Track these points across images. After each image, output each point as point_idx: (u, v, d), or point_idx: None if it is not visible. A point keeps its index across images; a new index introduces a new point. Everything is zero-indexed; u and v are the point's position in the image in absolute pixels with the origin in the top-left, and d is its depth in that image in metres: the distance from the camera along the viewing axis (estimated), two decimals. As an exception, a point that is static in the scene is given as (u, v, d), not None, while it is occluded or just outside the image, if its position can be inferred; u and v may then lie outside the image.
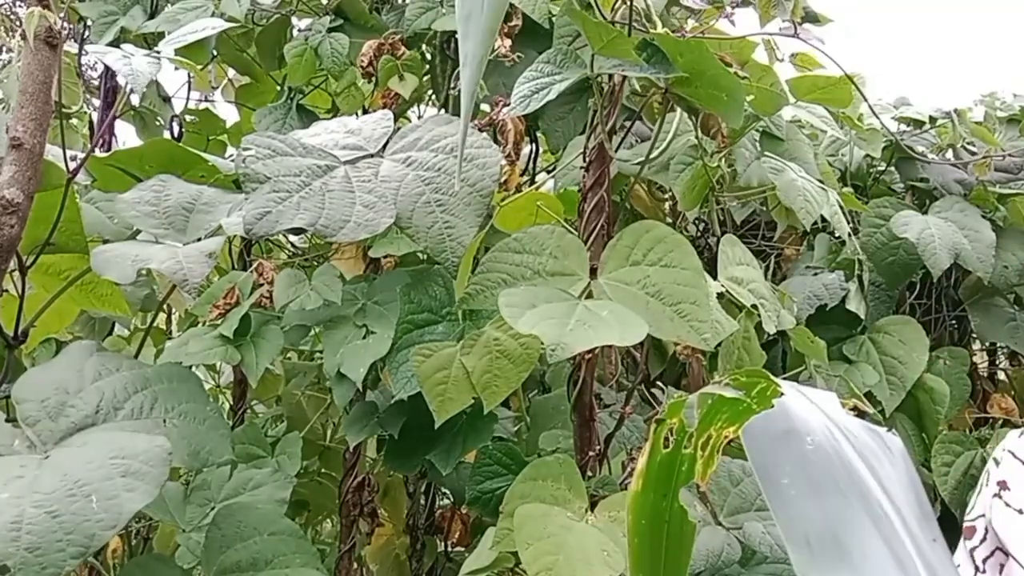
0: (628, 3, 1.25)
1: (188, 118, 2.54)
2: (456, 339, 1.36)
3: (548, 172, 1.96)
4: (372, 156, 1.04)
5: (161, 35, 1.93)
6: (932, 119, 2.27)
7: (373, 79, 1.85)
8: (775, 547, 1.11)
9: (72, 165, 1.05)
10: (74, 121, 2.60)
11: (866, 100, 1.97)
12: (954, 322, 2.37)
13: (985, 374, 2.52)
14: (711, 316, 1.07)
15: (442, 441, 1.55)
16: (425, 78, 2.01)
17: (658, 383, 1.82)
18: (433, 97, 2.07)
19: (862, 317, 2.06)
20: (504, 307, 0.99)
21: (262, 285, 1.62)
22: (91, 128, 2.64)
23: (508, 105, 1.25)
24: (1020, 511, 1.24)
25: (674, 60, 1.18)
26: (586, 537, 1.09)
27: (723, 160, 1.62)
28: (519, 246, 1.12)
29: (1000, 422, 2.24)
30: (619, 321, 0.99)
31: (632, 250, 1.11)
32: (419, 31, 1.89)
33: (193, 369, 1.41)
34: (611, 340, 0.97)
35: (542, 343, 1.01)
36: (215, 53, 2.24)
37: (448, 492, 1.86)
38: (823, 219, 1.69)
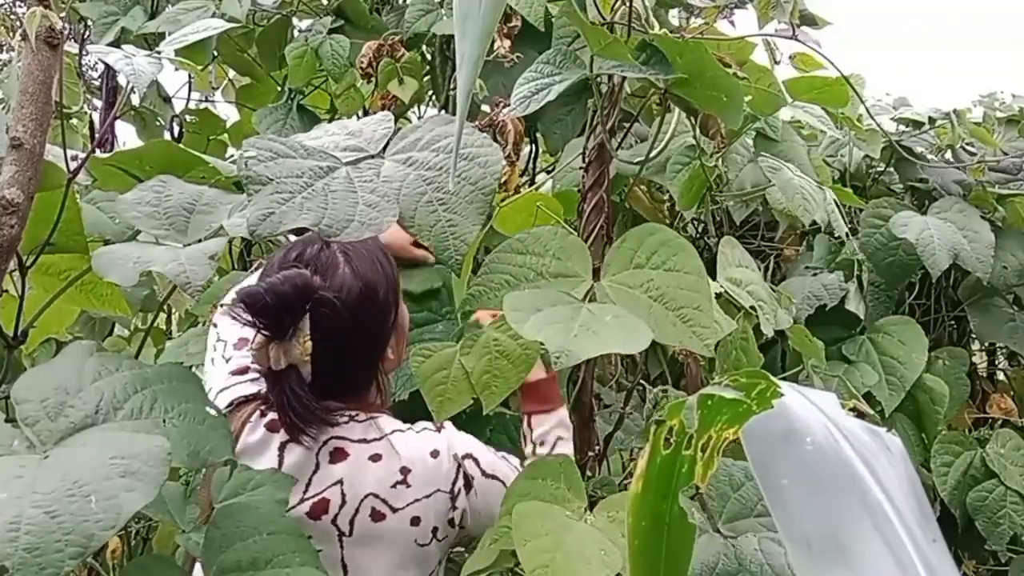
0: (627, 4, 1.25)
1: (188, 118, 2.54)
2: (455, 338, 1.36)
3: (547, 172, 1.96)
4: (373, 157, 1.04)
5: (161, 36, 1.93)
6: (931, 120, 2.27)
7: (372, 80, 1.85)
8: (766, 567, 1.09)
9: (72, 165, 1.06)
10: (74, 121, 2.60)
11: (863, 102, 1.98)
12: (953, 322, 2.37)
13: (984, 374, 2.52)
14: (713, 321, 1.07)
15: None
16: (425, 79, 2.01)
17: (657, 383, 1.83)
18: (433, 97, 2.07)
19: (861, 317, 2.06)
20: (509, 311, 0.99)
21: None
22: (91, 128, 2.65)
23: (508, 106, 1.25)
24: None
25: (673, 61, 1.18)
26: (584, 536, 1.09)
27: (720, 160, 1.62)
28: (522, 247, 1.12)
29: (999, 422, 2.24)
30: (623, 327, 0.98)
31: (636, 253, 1.11)
32: (419, 32, 1.89)
33: (193, 369, 1.41)
34: (616, 348, 0.97)
35: (541, 343, 1.01)
36: (216, 53, 2.24)
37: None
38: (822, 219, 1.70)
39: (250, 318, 1.10)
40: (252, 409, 1.21)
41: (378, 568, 1.19)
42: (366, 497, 1.18)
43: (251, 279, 1.41)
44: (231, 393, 1.23)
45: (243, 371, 1.25)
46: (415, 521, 1.19)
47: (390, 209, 0.95)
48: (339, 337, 1.15)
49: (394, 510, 1.18)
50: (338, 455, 1.19)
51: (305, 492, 1.17)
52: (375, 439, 1.21)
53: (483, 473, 1.23)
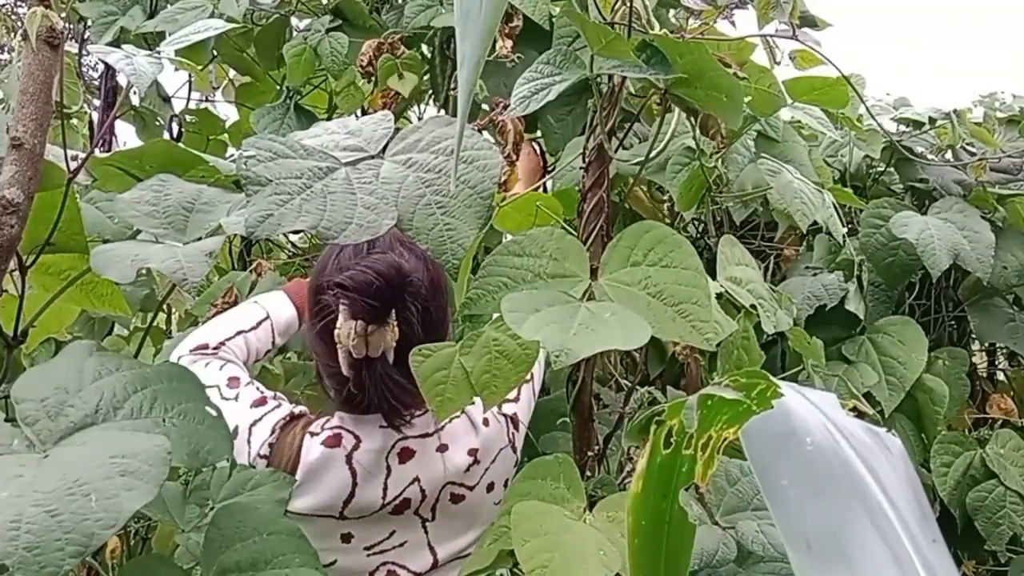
0: (628, 4, 1.25)
1: (188, 118, 2.54)
2: (456, 341, 1.36)
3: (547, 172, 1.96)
4: (372, 157, 1.04)
5: (160, 35, 1.93)
6: (932, 120, 2.27)
7: (372, 79, 1.85)
8: (768, 546, 1.12)
9: (72, 165, 1.05)
10: (74, 121, 2.60)
11: (863, 101, 1.97)
12: (953, 323, 2.37)
13: (984, 375, 2.52)
14: (713, 316, 1.07)
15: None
16: (425, 78, 2.01)
17: (657, 383, 1.83)
18: (433, 97, 2.07)
19: (861, 318, 2.06)
20: (507, 312, 0.99)
21: (262, 285, 1.62)
22: (91, 128, 2.65)
23: (507, 106, 1.25)
24: None
25: (673, 61, 1.18)
26: (583, 536, 1.09)
27: (720, 161, 1.62)
28: (519, 249, 1.12)
29: (999, 422, 2.24)
30: (622, 324, 0.98)
31: (632, 251, 1.11)
32: (419, 31, 1.89)
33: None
34: (615, 344, 0.97)
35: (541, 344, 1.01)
36: (215, 53, 2.24)
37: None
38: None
39: (360, 300, 1.15)
40: (300, 433, 1.23)
41: (461, 536, 1.27)
42: (444, 486, 1.24)
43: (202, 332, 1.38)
44: (267, 423, 1.24)
45: (262, 401, 1.27)
46: (490, 487, 1.28)
47: (388, 211, 0.95)
48: (416, 324, 1.20)
49: (471, 488, 1.26)
50: (406, 455, 1.23)
51: (384, 496, 1.21)
52: (437, 430, 1.26)
53: (516, 400, 1.33)
